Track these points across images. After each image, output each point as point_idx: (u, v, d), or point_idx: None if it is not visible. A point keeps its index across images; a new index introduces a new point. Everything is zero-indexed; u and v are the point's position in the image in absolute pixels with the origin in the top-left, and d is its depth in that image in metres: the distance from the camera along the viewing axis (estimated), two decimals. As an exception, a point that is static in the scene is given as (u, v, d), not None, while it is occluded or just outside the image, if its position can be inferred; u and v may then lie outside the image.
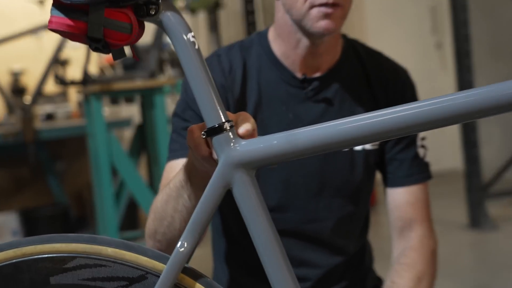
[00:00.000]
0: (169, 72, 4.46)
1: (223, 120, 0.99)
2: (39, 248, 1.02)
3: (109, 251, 1.02)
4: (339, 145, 0.96)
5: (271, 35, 1.50)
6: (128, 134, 5.35)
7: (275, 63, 1.48)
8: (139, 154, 4.19)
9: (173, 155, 1.44)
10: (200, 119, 1.10)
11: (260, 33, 1.53)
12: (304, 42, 1.44)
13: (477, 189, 4.50)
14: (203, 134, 0.99)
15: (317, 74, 1.48)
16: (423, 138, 1.52)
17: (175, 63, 4.55)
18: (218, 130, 0.98)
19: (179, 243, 0.99)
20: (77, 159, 5.38)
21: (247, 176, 0.99)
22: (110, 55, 1.01)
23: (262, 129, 1.44)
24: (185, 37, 0.99)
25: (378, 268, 1.69)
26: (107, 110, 5.03)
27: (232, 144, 0.99)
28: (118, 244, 1.02)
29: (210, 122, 0.99)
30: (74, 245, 1.02)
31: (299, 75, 1.48)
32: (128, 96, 4.37)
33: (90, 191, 4.95)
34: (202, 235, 1.02)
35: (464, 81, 4.45)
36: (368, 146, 1.50)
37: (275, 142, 0.98)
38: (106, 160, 3.63)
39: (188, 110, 1.43)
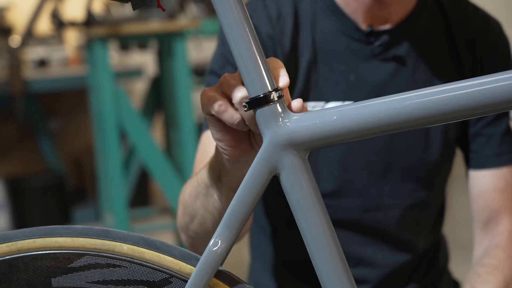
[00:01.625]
0: (193, 10, 4.45)
1: (270, 89, 0.98)
2: (39, 243, 1.03)
3: (125, 248, 1.03)
4: (424, 121, 0.95)
5: None
6: (140, 88, 5.38)
7: (333, 10, 1.47)
8: (153, 114, 4.21)
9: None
10: None
11: None
12: None
13: None
14: (244, 106, 0.99)
15: (387, 27, 1.47)
16: None
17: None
18: (263, 101, 0.97)
19: (212, 240, 1.00)
20: (75, 117, 5.43)
21: (298, 160, 0.98)
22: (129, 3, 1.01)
23: (317, 92, 1.44)
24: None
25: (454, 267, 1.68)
26: (115, 57, 5.04)
27: (280, 120, 0.98)
28: (136, 240, 1.03)
29: (254, 91, 0.98)
30: (81, 239, 1.03)
31: (363, 26, 1.46)
32: (141, 42, 4.36)
33: (91, 157, 5.00)
34: (241, 231, 1.02)
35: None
36: None
37: (335, 117, 0.97)
38: (112, 120, 3.65)
39: (228, 66, 1.43)
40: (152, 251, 1.02)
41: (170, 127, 4.03)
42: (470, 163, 1.53)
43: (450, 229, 4.44)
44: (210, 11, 4.44)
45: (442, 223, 1.63)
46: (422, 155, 1.50)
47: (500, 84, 0.90)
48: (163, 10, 1.03)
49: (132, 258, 1.02)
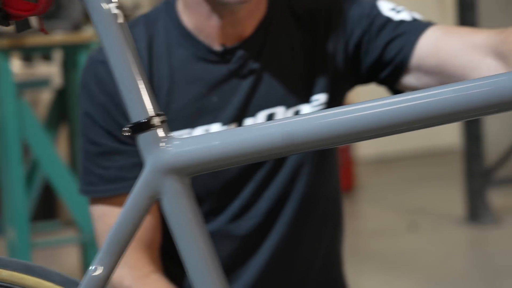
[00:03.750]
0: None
1: (151, 114, 0.98)
2: None
3: (4, 274, 1.01)
4: (306, 146, 0.96)
5: (180, 4, 1.51)
6: (45, 99, 5.30)
7: (186, 38, 1.49)
8: (58, 126, 4.15)
9: (93, 191, 1.48)
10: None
11: (168, 1, 1.53)
12: (218, 12, 1.45)
13: (478, 174, 4.57)
14: (128, 131, 0.99)
15: (240, 41, 1.50)
16: (393, 9, 1.52)
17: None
18: (145, 126, 0.98)
19: (92, 266, 0.99)
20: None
21: (180, 185, 0.98)
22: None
23: (180, 121, 1.46)
24: (104, 7, 0.98)
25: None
26: (18, 67, 4.96)
27: (162, 145, 0.98)
28: (16, 266, 1.02)
29: (136, 116, 0.99)
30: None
31: (217, 47, 1.48)
32: (45, 53, 4.31)
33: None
34: (121, 256, 1.02)
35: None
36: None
37: (217, 142, 0.98)
38: (14, 132, 3.59)
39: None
40: (32, 277, 1.01)
41: (74, 139, 3.99)
42: (408, 60, 1.48)
43: (356, 239, 4.53)
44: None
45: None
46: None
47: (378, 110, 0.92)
48: (46, 33, 1.02)
49: (11, 285, 1.01)
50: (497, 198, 4.75)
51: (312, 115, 0.98)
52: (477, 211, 4.54)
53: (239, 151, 0.97)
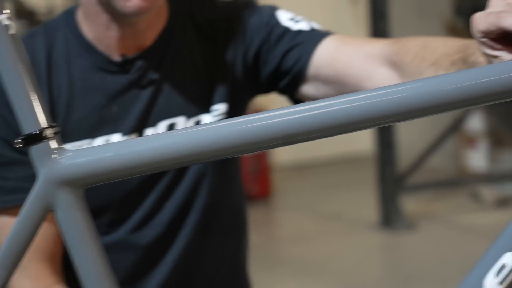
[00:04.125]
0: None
1: (44, 126, 0.97)
2: None
3: None
4: (203, 156, 0.97)
5: (80, 14, 1.50)
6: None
7: (86, 48, 1.48)
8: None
9: None
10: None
11: (68, 11, 1.52)
12: (117, 23, 1.45)
13: (391, 180, 4.64)
14: (20, 143, 0.98)
15: (140, 52, 1.50)
16: (291, 19, 1.53)
17: (21, 13, 4.44)
18: (37, 137, 0.97)
19: (-14, 279, 0.98)
20: None
21: (73, 196, 0.98)
22: None
23: (80, 132, 1.45)
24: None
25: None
26: None
27: (55, 157, 0.98)
28: None
29: (28, 128, 0.98)
30: None
31: (117, 57, 1.48)
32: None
33: None
34: (15, 270, 1.01)
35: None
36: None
37: (110, 154, 0.97)
38: None
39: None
40: None
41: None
42: (306, 70, 1.50)
43: (272, 245, 4.55)
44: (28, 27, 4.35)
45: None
46: None
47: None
48: None
49: None
50: (409, 203, 4.83)
51: (206, 126, 0.98)
52: (390, 216, 4.60)
53: (132, 162, 0.96)
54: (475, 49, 1.16)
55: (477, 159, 5.44)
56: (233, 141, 0.96)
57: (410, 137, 5.75)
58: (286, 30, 1.51)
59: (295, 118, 0.95)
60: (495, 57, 1.07)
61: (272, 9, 1.55)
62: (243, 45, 1.53)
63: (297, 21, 1.52)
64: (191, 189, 1.51)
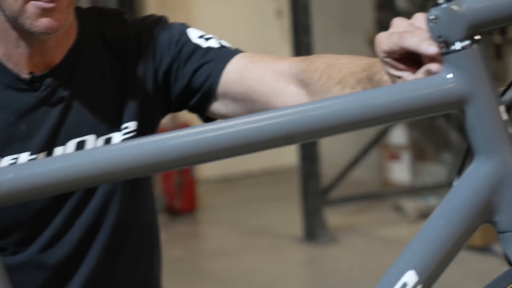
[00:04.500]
0: None
1: None
2: None
3: None
4: (110, 177, 0.96)
5: None
6: None
7: None
8: None
9: None
10: None
11: None
12: (26, 40, 1.43)
13: (315, 194, 4.67)
14: None
15: (49, 69, 1.48)
16: (201, 36, 1.53)
17: None
18: None
19: None
20: None
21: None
22: None
23: None
24: None
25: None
26: None
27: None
28: None
29: None
30: None
31: (25, 75, 1.46)
32: None
33: None
34: None
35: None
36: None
37: (11, 176, 0.96)
38: None
39: None
40: None
41: None
42: (216, 87, 1.50)
43: (197, 260, 4.54)
44: None
45: None
46: None
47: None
48: None
49: None
50: (333, 216, 4.87)
51: (108, 147, 0.99)
52: (314, 230, 4.63)
53: (33, 184, 0.96)
54: (380, 68, 1.19)
55: (400, 172, 5.52)
56: (130, 162, 0.97)
57: (334, 150, 5.80)
58: (196, 47, 1.51)
59: (197, 140, 0.95)
60: (399, 77, 1.09)
61: (183, 26, 1.55)
62: (154, 62, 1.52)
63: (207, 39, 1.52)
64: (101, 208, 1.50)
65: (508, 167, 1.00)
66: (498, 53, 4.88)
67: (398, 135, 5.45)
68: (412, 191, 5.30)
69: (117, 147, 0.99)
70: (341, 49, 5.91)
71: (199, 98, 1.51)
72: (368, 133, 5.36)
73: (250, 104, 1.45)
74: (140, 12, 5.92)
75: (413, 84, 1.00)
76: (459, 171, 1.06)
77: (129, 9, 5.65)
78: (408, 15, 1.09)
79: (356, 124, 1.00)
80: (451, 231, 1.01)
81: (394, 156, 5.52)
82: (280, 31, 6.58)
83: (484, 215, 1.01)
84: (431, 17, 0.99)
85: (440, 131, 5.42)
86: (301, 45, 4.62)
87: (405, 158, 5.48)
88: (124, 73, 1.51)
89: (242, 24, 6.38)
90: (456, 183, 1.03)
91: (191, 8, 6.32)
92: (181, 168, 0.98)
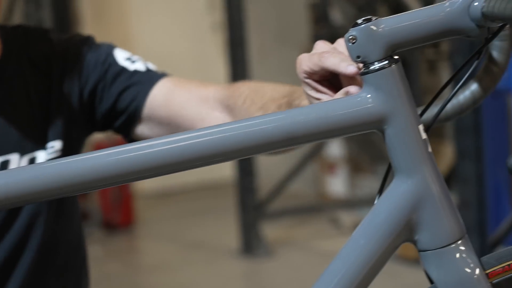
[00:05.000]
0: None
1: None
2: None
3: None
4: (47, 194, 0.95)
5: None
6: None
7: None
8: None
9: None
10: None
11: None
12: None
13: (251, 207, 4.67)
14: None
15: None
16: (128, 58, 1.53)
17: None
18: None
19: None
20: None
21: None
22: None
23: None
24: None
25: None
26: None
27: None
28: None
29: None
30: None
31: None
32: None
33: None
34: None
35: (236, 75, 4.57)
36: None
37: None
38: None
39: None
40: None
41: None
42: (141, 110, 1.51)
43: (134, 275, 4.51)
44: None
45: None
46: None
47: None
48: None
49: None
50: (270, 230, 4.87)
51: (28, 167, 0.97)
52: (250, 243, 4.62)
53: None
54: (301, 94, 1.21)
55: (337, 184, 5.54)
56: (56, 182, 0.95)
57: (271, 163, 5.79)
58: (123, 69, 1.51)
59: (126, 158, 0.95)
60: (318, 99, 1.10)
61: (110, 47, 1.55)
62: (79, 81, 1.52)
63: (133, 61, 1.53)
64: (25, 229, 1.48)
65: (427, 186, 1.00)
66: (431, 67, 4.94)
67: (335, 148, 5.48)
68: (348, 203, 5.33)
69: (41, 166, 0.97)
70: (277, 63, 5.93)
71: (124, 120, 1.51)
72: (305, 146, 5.37)
73: (174, 128, 1.46)
74: (76, 26, 5.88)
75: (331, 104, 1.00)
76: (380, 190, 1.07)
77: (65, 23, 5.62)
78: (343, 29, 1.10)
79: (272, 144, 0.99)
80: (371, 250, 1.01)
81: (330, 169, 5.54)
82: (216, 45, 6.58)
83: (405, 234, 1.02)
84: (349, 37, 0.99)
85: (376, 144, 5.46)
86: (237, 59, 4.62)
87: (342, 171, 5.50)
88: (49, 91, 1.50)
89: (179, 38, 6.36)
90: (376, 202, 1.04)
91: (127, 21, 6.29)
92: (111, 186, 0.97)
